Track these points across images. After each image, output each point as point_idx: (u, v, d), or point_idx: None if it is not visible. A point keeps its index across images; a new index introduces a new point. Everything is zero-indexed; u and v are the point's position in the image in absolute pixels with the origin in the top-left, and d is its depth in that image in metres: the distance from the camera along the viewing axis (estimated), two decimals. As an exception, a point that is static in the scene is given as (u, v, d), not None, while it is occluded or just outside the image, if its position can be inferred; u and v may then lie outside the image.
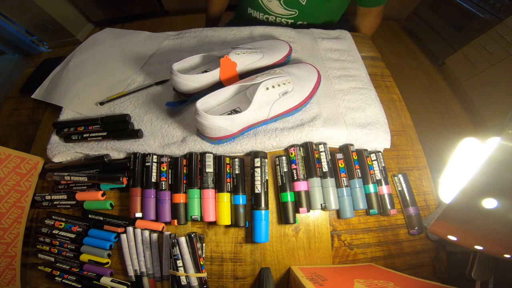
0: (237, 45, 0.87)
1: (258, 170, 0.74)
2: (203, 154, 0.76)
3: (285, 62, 0.91)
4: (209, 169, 0.75)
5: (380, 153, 0.80)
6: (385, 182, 0.77)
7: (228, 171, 0.76)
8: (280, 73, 0.77)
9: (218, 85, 0.80)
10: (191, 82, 0.78)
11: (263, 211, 0.71)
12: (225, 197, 0.72)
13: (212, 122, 0.68)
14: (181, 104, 0.82)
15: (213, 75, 0.79)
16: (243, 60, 0.82)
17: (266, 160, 0.76)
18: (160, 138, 0.80)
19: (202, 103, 0.72)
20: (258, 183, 0.73)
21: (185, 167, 0.76)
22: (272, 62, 0.87)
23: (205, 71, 0.80)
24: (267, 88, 0.72)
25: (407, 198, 0.77)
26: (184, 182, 0.75)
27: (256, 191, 0.72)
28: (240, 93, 0.81)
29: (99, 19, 3.81)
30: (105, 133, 0.79)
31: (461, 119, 2.66)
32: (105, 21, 3.86)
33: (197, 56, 0.84)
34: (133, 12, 3.80)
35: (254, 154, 0.76)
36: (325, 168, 0.75)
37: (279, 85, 0.74)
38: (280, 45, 0.92)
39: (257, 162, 0.74)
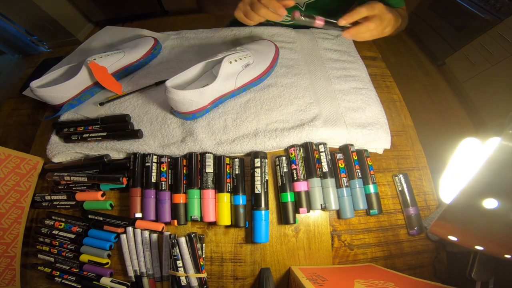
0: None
1: (258, 170, 0.74)
2: (203, 154, 0.76)
3: (152, 55, 1.00)
4: (209, 169, 0.75)
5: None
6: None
7: (228, 171, 0.76)
8: (240, 49, 0.84)
9: (94, 86, 0.89)
10: (58, 92, 0.82)
11: (263, 212, 0.71)
12: (225, 197, 0.73)
13: (183, 96, 0.72)
14: (56, 115, 0.86)
15: (78, 80, 0.84)
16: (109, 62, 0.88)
17: (266, 160, 0.76)
18: (160, 138, 0.80)
19: (171, 83, 0.75)
20: (258, 183, 0.73)
21: (185, 167, 0.76)
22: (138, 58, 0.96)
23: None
24: (230, 62, 0.78)
25: (408, 198, 0.77)
26: (184, 182, 0.75)
27: (256, 191, 0.72)
28: (207, 72, 0.86)
29: (99, 19, 3.81)
30: (104, 133, 0.79)
31: (462, 119, 2.66)
32: (105, 21, 3.85)
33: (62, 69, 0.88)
34: (133, 12, 3.79)
35: (254, 154, 0.76)
36: (325, 168, 0.75)
37: (240, 59, 0.81)
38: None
39: (257, 162, 0.74)
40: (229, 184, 0.75)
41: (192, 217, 0.71)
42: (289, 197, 0.72)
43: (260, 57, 0.87)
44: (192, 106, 0.76)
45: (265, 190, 0.73)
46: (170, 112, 0.85)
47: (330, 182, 0.74)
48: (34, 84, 0.79)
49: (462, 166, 0.63)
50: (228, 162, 0.77)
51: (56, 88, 0.80)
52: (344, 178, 0.76)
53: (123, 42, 1.04)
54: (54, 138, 0.83)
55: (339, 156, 0.78)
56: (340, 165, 0.77)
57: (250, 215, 0.74)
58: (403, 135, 0.89)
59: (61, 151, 0.81)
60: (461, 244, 0.56)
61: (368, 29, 0.77)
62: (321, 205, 0.71)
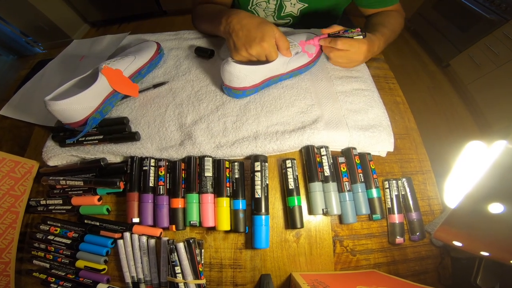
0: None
1: (258, 174, 0.74)
2: (202, 158, 0.76)
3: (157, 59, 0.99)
4: (208, 173, 0.75)
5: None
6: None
7: (228, 175, 0.76)
8: (291, 40, 0.88)
9: (113, 95, 0.85)
10: (78, 104, 0.75)
11: (263, 216, 0.71)
12: (225, 202, 0.73)
13: (239, 70, 0.78)
14: (83, 132, 0.80)
15: (99, 87, 0.79)
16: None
17: (267, 164, 0.76)
18: (158, 141, 0.80)
19: (230, 60, 0.81)
20: (258, 188, 0.73)
21: (183, 171, 0.76)
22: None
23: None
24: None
25: (410, 203, 0.77)
26: (183, 186, 0.75)
27: (256, 196, 0.72)
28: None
29: (95, 20, 3.82)
30: (101, 137, 0.80)
31: (466, 122, 2.66)
32: (102, 21, 3.87)
33: (72, 81, 0.81)
34: (131, 12, 3.81)
35: (254, 158, 0.76)
36: (327, 172, 0.75)
37: (291, 47, 0.85)
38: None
39: (257, 166, 0.74)
40: (228, 188, 0.75)
41: (191, 222, 0.71)
42: (296, 201, 0.72)
43: (307, 48, 0.91)
44: (244, 82, 0.81)
45: (265, 194, 0.73)
46: (220, 89, 0.90)
47: (332, 186, 0.74)
48: (48, 98, 0.73)
49: (467, 170, 0.63)
50: (227, 165, 0.77)
51: (78, 98, 0.74)
52: (346, 182, 0.76)
53: (121, 50, 1.04)
54: (50, 141, 0.83)
55: (341, 159, 0.78)
56: (342, 169, 0.77)
57: (250, 220, 0.74)
58: (407, 138, 0.89)
59: (57, 154, 0.81)
60: (466, 249, 0.56)
61: (333, 56, 0.92)
62: (322, 209, 0.72)
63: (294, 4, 1.15)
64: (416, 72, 3.12)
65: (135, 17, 3.89)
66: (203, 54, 0.99)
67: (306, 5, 1.15)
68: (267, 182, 0.74)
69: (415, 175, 0.84)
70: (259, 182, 0.73)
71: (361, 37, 0.85)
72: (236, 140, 0.79)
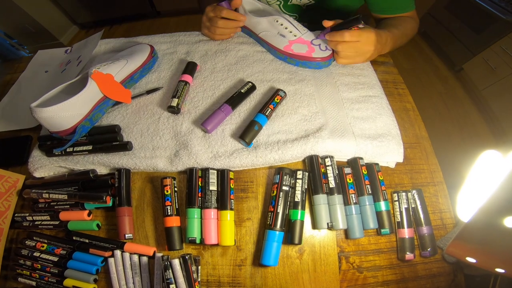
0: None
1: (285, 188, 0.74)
2: (205, 170, 0.76)
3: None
4: (213, 187, 0.75)
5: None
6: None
7: (232, 186, 0.76)
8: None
9: (104, 101, 0.85)
10: (66, 111, 0.75)
11: (277, 232, 0.70)
12: (229, 215, 0.73)
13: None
14: (72, 141, 0.79)
15: (89, 93, 0.79)
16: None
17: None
18: (151, 151, 0.80)
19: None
20: (281, 202, 0.73)
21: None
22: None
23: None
24: None
25: (421, 216, 0.77)
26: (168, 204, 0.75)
27: (277, 210, 0.72)
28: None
29: (84, 21, 3.83)
30: (90, 147, 0.79)
31: (481, 130, 2.66)
32: (92, 23, 3.88)
33: (60, 87, 0.81)
34: (122, 13, 3.82)
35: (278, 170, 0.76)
36: (332, 183, 0.75)
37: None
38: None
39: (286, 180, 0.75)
40: (233, 200, 0.75)
41: (190, 238, 0.71)
42: (299, 215, 0.72)
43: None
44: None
45: (287, 212, 0.73)
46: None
47: (338, 199, 0.74)
48: (34, 104, 0.73)
49: (482, 181, 0.63)
50: (232, 176, 0.77)
51: (66, 105, 0.74)
52: (353, 195, 0.75)
53: (113, 54, 1.05)
54: (37, 151, 0.83)
55: (347, 170, 0.78)
56: (348, 180, 0.76)
57: (260, 233, 0.74)
58: (417, 147, 0.89)
59: (44, 165, 0.81)
60: (481, 266, 0.56)
61: (341, 50, 0.92)
62: (327, 224, 0.71)
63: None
64: (427, 77, 3.13)
65: (127, 18, 3.90)
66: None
67: (313, 2, 1.17)
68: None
69: (426, 186, 0.83)
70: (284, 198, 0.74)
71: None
72: (235, 150, 0.79)
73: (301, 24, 0.99)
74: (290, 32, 0.97)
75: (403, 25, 1.07)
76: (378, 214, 0.75)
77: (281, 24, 0.98)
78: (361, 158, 0.80)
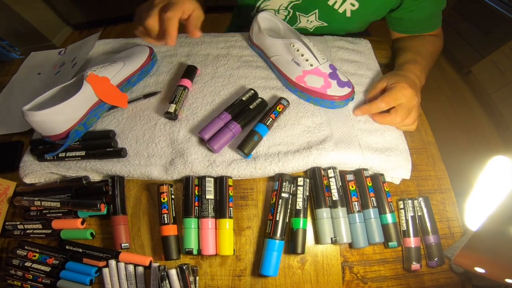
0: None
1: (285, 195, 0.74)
2: (202, 179, 0.76)
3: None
4: (210, 195, 0.75)
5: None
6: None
7: (231, 194, 0.76)
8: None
9: (99, 105, 0.84)
10: (60, 115, 0.74)
11: (277, 241, 0.70)
12: (227, 223, 0.72)
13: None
14: (64, 146, 0.79)
15: (83, 96, 0.78)
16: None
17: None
18: (146, 158, 0.80)
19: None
20: (281, 210, 0.73)
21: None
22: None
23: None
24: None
25: (428, 225, 0.76)
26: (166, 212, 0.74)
27: (277, 218, 0.72)
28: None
29: (78, 22, 3.81)
30: (83, 153, 0.79)
31: (490, 135, 2.66)
32: (85, 23, 3.86)
33: (54, 90, 0.80)
34: (117, 14, 3.81)
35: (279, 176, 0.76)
36: (335, 196, 0.75)
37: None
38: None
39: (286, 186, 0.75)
40: (232, 208, 0.75)
41: (186, 249, 0.71)
42: (301, 223, 0.72)
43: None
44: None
45: (287, 220, 0.73)
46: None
47: (341, 212, 0.73)
48: (27, 108, 0.72)
49: (491, 188, 0.63)
50: (231, 183, 0.77)
51: (60, 109, 0.72)
52: (356, 202, 0.75)
53: (109, 55, 1.05)
54: (28, 155, 0.82)
55: (350, 177, 0.78)
56: (351, 187, 0.76)
57: (260, 242, 0.74)
58: (424, 153, 0.88)
59: (35, 171, 0.80)
60: (490, 276, 0.56)
61: (390, 120, 0.84)
62: (331, 238, 0.71)
63: (311, 21, 1.14)
64: (434, 80, 3.12)
65: (122, 19, 3.89)
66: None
67: (326, 24, 1.13)
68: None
69: (433, 194, 0.83)
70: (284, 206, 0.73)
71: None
72: (233, 160, 0.79)
73: (320, 53, 0.90)
74: (306, 60, 0.87)
75: (428, 48, 1.03)
76: (385, 227, 0.75)
77: (297, 50, 0.88)
78: (366, 169, 0.79)
